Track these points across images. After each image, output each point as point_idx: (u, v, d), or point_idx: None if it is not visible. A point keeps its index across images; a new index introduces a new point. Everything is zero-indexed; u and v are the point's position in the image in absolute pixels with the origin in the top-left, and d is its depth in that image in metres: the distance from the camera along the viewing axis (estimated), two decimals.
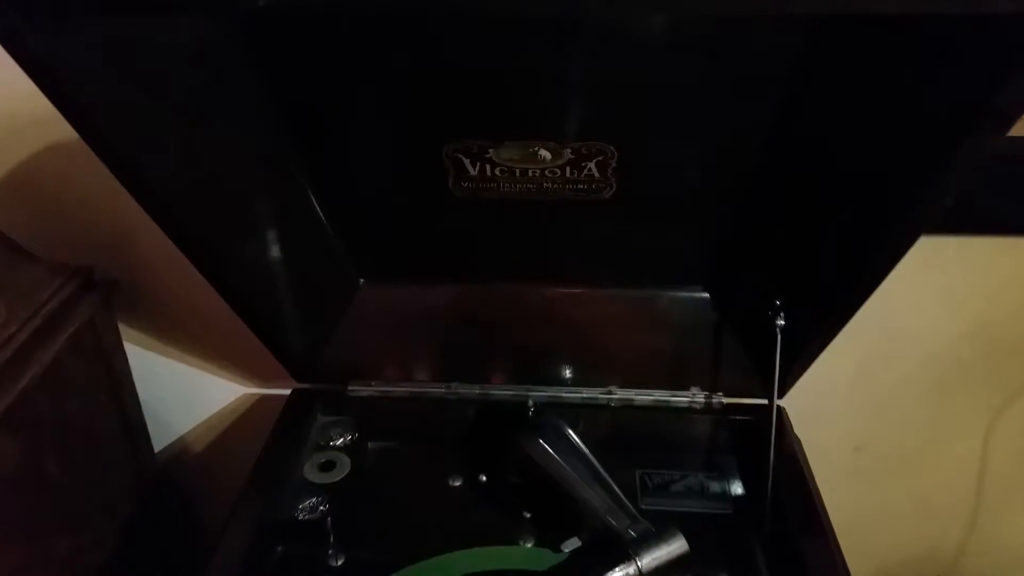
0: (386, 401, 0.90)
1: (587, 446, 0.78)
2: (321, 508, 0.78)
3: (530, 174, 0.69)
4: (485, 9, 0.49)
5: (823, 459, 0.83)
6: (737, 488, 0.83)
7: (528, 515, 0.79)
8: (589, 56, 0.60)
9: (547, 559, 0.74)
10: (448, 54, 0.61)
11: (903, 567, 1.17)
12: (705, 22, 0.58)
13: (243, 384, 1.07)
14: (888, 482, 1.10)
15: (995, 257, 0.91)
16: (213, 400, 1.07)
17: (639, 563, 0.66)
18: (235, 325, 0.78)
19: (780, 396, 0.81)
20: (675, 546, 0.68)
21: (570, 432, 0.79)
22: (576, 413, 0.86)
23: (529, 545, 0.76)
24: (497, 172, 0.69)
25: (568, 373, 0.89)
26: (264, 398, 1.07)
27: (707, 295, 0.85)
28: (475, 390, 0.89)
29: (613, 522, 0.71)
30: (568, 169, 0.68)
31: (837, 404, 1.03)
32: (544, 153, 0.66)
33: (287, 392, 0.92)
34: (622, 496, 0.73)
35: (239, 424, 1.07)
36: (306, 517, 0.78)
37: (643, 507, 0.79)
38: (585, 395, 0.88)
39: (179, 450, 1.08)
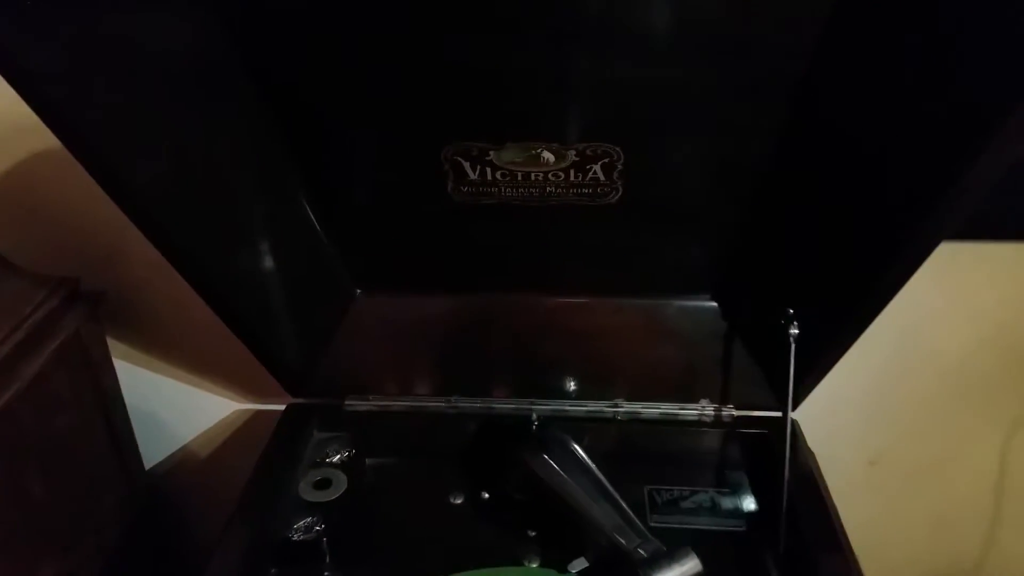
0: (384, 416, 0.87)
1: (593, 461, 0.75)
2: (316, 528, 0.75)
3: (532, 178, 0.66)
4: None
5: (837, 474, 0.80)
6: (750, 504, 0.80)
7: (533, 534, 0.76)
8: (593, 54, 0.58)
9: None
10: (447, 52, 0.58)
11: None
12: (715, 19, 0.55)
13: (236, 399, 1.05)
14: (904, 497, 1.07)
15: (1014, 264, 0.89)
16: (205, 416, 1.05)
17: None
18: (227, 338, 0.76)
19: (793, 408, 0.78)
20: (688, 566, 0.64)
21: (575, 446, 0.76)
22: (581, 427, 0.83)
23: (534, 565, 0.73)
24: (498, 176, 0.66)
25: (573, 386, 0.86)
26: (258, 414, 1.04)
27: (715, 304, 0.82)
28: (477, 404, 0.86)
29: (622, 541, 0.68)
30: (572, 172, 0.65)
31: (850, 417, 1.00)
32: (547, 155, 0.63)
33: (282, 407, 0.89)
34: (631, 513, 0.70)
35: (232, 441, 1.04)
36: (301, 537, 0.75)
37: (652, 524, 0.77)
38: (590, 408, 0.85)
39: (170, 468, 1.05)
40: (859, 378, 0.97)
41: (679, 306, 0.83)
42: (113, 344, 0.95)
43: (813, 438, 0.83)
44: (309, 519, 0.76)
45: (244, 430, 1.05)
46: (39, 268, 0.82)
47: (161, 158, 0.60)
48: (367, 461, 0.86)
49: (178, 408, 1.03)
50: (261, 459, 0.81)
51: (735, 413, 0.84)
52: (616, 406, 0.85)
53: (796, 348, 0.73)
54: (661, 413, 0.85)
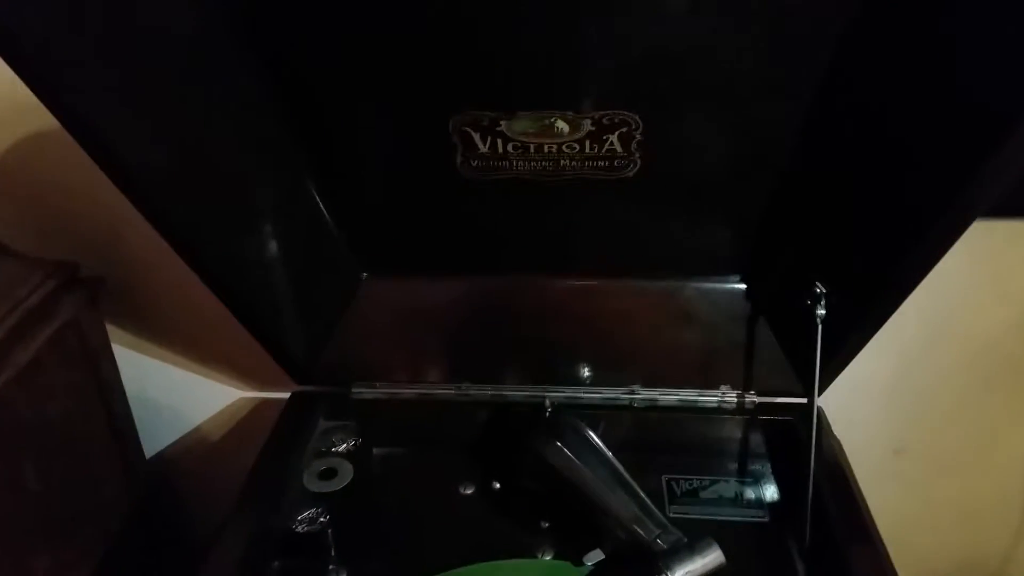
0: (392, 404, 0.84)
1: (609, 449, 0.72)
2: (321, 519, 0.73)
3: (546, 150, 0.63)
4: None
5: (861, 462, 0.77)
6: (773, 494, 0.77)
7: (546, 525, 0.73)
8: (610, 13, 0.54)
9: (567, 573, 0.68)
10: (455, 14, 0.55)
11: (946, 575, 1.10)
12: None
13: (239, 387, 1.02)
14: (930, 486, 1.04)
15: None
16: (207, 404, 1.02)
17: None
18: (230, 325, 0.74)
19: (818, 394, 0.74)
20: (710, 558, 0.61)
21: (591, 434, 0.72)
22: (596, 415, 0.80)
23: (548, 558, 0.70)
24: (509, 148, 0.63)
25: (587, 372, 0.83)
26: (262, 402, 1.02)
27: (741, 285, 0.79)
28: (487, 391, 0.83)
29: (640, 532, 0.65)
30: (588, 143, 0.62)
31: (875, 404, 0.98)
32: (561, 125, 0.60)
33: (287, 396, 0.86)
34: (649, 503, 0.67)
35: (235, 430, 1.02)
36: (305, 529, 0.72)
37: (671, 515, 0.73)
38: (606, 396, 0.82)
39: (171, 458, 1.02)
40: (884, 363, 0.94)
41: (699, 287, 0.79)
42: (113, 331, 0.92)
43: (835, 426, 0.80)
44: (313, 510, 0.73)
45: (248, 419, 1.02)
46: (38, 253, 0.79)
47: (161, 141, 0.58)
48: (374, 450, 0.84)
49: (180, 396, 1.00)
50: (264, 449, 0.79)
51: (756, 400, 0.81)
52: (632, 393, 0.82)
53: (823, 329, 0.69)
54: (679, 400, 0.81)
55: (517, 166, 0.64)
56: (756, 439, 0.81)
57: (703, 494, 0.77)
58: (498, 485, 0.78)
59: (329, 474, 0.77)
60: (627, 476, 0.69)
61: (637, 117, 0.59)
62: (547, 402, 0.76)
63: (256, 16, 0.57)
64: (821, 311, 0.69)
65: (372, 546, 0.73)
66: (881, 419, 0.99)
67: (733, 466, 0.81)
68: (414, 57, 0.58)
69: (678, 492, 0.77)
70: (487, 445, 0.83)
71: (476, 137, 0.62)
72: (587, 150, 0.62)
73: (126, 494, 0.89)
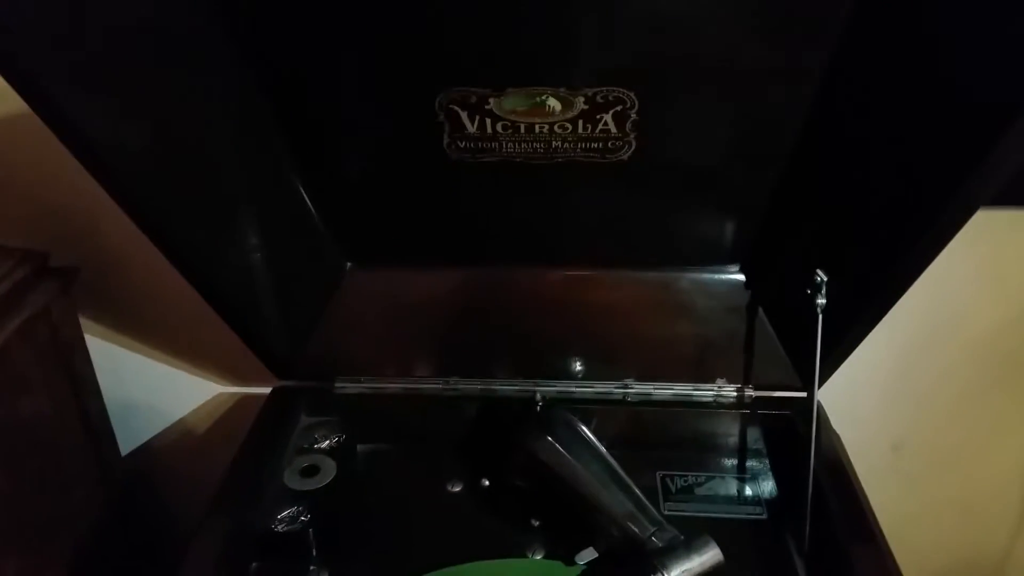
0: (377, 399, 0.81)
1: (602, 446, 0.70)
2: (302, 518, 0.70)
3: (536, 130, 0.60)
4: None
5: (858, 459, 0.75)
6: (771, 490, 0.75)
7: (537, 523, 0.71)
8: None
9: (559, 573, 0.66)
10: None
11: (945, 573, 1.09)
12: None
13: (219, 382, 0.99)
14: (929, 483, 1.02)
15: None
16: (186, 400, 0.99)
17: None
18: (210, 318, 0.71)
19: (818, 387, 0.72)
20: (707, 556, 0.59)
21: (583, 428, 0.70)
22: (588, 410, 0.78)
23: (539, 557, 0.68)
24: (499, 128, 0.60)
25: (580, 365, 0.81)
26: (243, 397, 0.99)
27: (739, 275, 0.77)
28: (476, 386, 0.81)
29: (635, 529, 0.62)
30: (581, 123, 0.59)
31: (873, 399, 0.96)
32: (553, 103, 0.58)
33: (268, 391, 0.83)
34: (644, 499, 0.65)
35: (214, 427, 0.99)
36: (285, 528, 0.69)
37: (665, 513, 0.71)
38: (599, 390, 0.80)
39: (148, 455, 0.99)
40: (882, 358, 0.92)
41: (695, 278, 0.77)
42: (88, 324, 0.90)
43: (833, 422, 0.78)
44: (294, 509, 0.70)
45: (228, 415, 0.99)
46: (8, 243, 0.76)
47: (135, 126, 0.56)
48: (358, 447, 0.81)
49: (158, 391, 0.97)
50: (243, 445, 0.76)
51: (754, 394, 0.78)
52: (626, 387, 0.80)
53: (823, 320, 0.67)
54: (674, 394, 0.79)
55: (507, 148, 0.62)
56: (753, 434, 0.79)
57: (699, 491, 0.75)
58: (487, 482, 0.76)
59: (311, 471, 0.74)
60: (621, 472, 0.67)
61: (632, 95, 0.57)
62: (538, 396, 0.74)
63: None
64: (821, 300, 0.66)
65: (355, 546, 0.70)
66: (879, 415, 0.97)
67: (730, 462, 0.79)
68: (400, 31, 0.55)
69: (673, 489, 0.75)
70: (476, 441, 0.81)
71: (464, 116, 0.59)
72: (580, 130, 0.60)
73: (100, 495, 0.86)
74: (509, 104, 0.58)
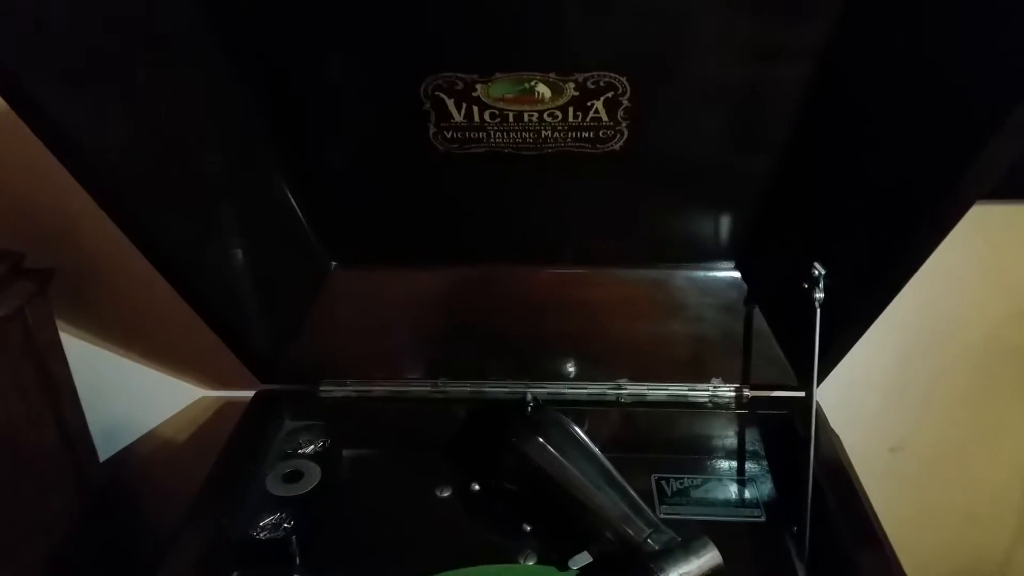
0: (363, 402, 0.80)
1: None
2: (285, 525, 0.67)
3: (526, 119, 0.58)
4: None
5: (856, 462, 0.73)
6: (770, 492, 0.73)
7: (529, 528, 0.69)
8: None
9: None
10: None
11: None
12: None
13: (201, 386, 0.97)
14: (928, 487, 1.01)
15: None
16: (166, 404, 0.97)
17: None
18: (191, 320, 0.69)
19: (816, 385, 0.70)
20: (706, 558, 0.57)
21: (575, 429, 0.68)
22: (581, 411, 0.76)
23: (531, 563, 0.66)
24: (486, 117, 0.58)
25: (572, 366, 0.79)
26: (225, 402, 0.97)
27: (734, 272, 0.75)
28: (466, 388, 0.79)
29: (630, 532, 0.60)
30: (571, 111, 0.58)
31: (870, 400, 0.95)
32: (542, 89, 0.56)
33: (252, 395, 0.81)
34: (639, 501, 0.62)
35: (196, 432, 0.97)
36: (267, 536, 0.66)
37: (661, 516, 0.69)
38: (591, 391, 0.78)
39: (127, 462, 0.96)
40: (879, 357, 0.91)
41: (690, 275, 0.76)
42: (66, 327, 0.88)
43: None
44: (277, 515, 0.68)
45: (210, 420, 0.97)
46: None
47: (116, 122, 0.55)
48: (344, 452, 0.79)
49: (137, 395, 0.95)
50: (224, 450, 0.74)
51: (750, 393, 0.77)
52: (619, 387, 0.78)
53: (821, 316, 0.65)
54: (669, 394, 0.78)
55: (495, 138, 0.60)
56: (750, 435, 0.77)
57: (695, 493, 0.73)
58: (477, 487, 0.74)
59: (294, 477, 0.72)
60: (615, 473, 0.65)
61: (624, 80, 0.55)
62: (529, 396, 0.71)
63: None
64: (819, 294, 0.65)
65: (340, 554, 0.68)
66: (876, 416, 0.95)
67: (727, 464, 0.77)
68: (383, 13, 0.53)
69: (668, 492, 0.73)
70: (465, 444, 0.78)
71: (450, 103, 0.57)
72: (570, 118, 0.58)
73: (76, 504, 0.83)
74: (497, 91, 0.56)
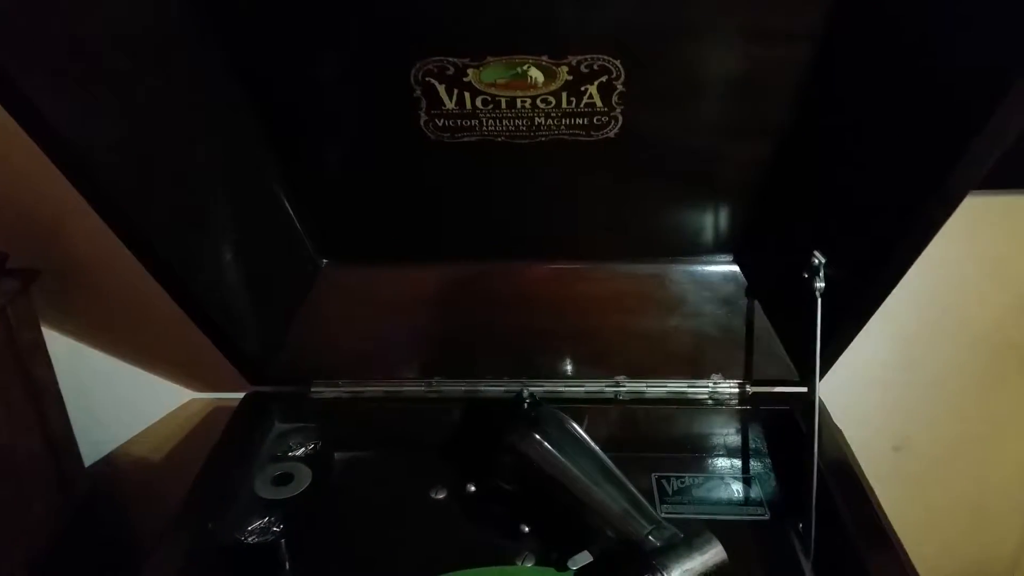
0: (355, 403, 0.78)
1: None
2: (274, 528, 0.65)
3: (518, 105, 0.57)
4: None
5: (859, 461, 0.71)
6: (773, 489, 0.72)
7: (527, 529, 0.67)
8: None
9: None
10: None
11: None
12: None
13: (190, 388, 0.95)
14: (932, 486, 0.99)
15: None
16: (154, 407, 0.95)
17: None
18: (180, 320, 0.67)
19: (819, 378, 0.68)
20: (710, 554, 0.55)
21: (573, 425, 0.66)
22: (579, 409, 0.74)
23: (530, 564, 0.64)
24: (479, 103, 0.57)
25: (568, 363, 0.77)
26: (216, 404, 0.95)
27: (732, 266, 0.74)
28: (460, 386, 0.77)
29: (630, 529, 0.58)
30: (564, 96, 0.56)
31: (873, 398, 0.93)
32: (535, 73, 0.54)
33: (242, 396, 0.79)
34: (640, 497, 0.61)
35: (185, 435, 0.95)
36: (256, 539, 0.64)
37: (662, 516, 0.66)
38: (589, 389, 0.77)
39: (114, 466, 0.94)
40: (881, 353, 0.90)
41: (687, 269, 0.74)
42: (51, 328, 0.86)
43: None
44: (266, 519, 0.66)
45: (199, 422, 0.95)
46: None
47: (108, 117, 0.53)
48: (336, 454, 0.77)
49: (125, 398, 0.93)
50: (212, 453, 0.72)
51: (751, 389, 0.75)
52: (617, 385, 0.76)
53: (822, 307, 0.64)
54: (668, 391, 0.76)
55: (487, 125, 0.59)
56: (752, 431, 0.75)
57: (696, 492, 0.71)
58: (473, 488, 0.72)
59: (284, 479, 0.70)
60: (614, 469, 0.63)
61: (618, 63, 0.54)
62: (524, 392, 0.70)
63: None
64: (820, 284, 0.63)
65: (332, 558, 0.66)
66: (879, 414, 0.94)
67: (728, 461, 0.75)
68: None
69: (669, 491, 0.71)
70: (460, 445, 0.77)
71: (441, 90, 0.56)
72: (564, 104, 0.57)
73: (60, 511, 0.81)
74: (489, 76, 0.55)
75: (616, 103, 0.57)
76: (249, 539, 0.64)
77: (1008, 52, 0.45)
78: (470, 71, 0.54)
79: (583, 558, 0.60)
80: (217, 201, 0.66)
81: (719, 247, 0.73)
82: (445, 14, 0.52)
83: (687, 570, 0.54)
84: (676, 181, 0.66)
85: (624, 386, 0.76)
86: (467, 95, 0.56)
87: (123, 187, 0.56)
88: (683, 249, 0.73)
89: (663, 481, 0.72)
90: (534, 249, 0.73)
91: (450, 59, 0.54)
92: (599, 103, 0.57)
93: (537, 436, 0.65)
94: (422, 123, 0.59)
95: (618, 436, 0.75)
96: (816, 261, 0.63)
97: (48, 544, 0.79)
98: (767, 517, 0.68)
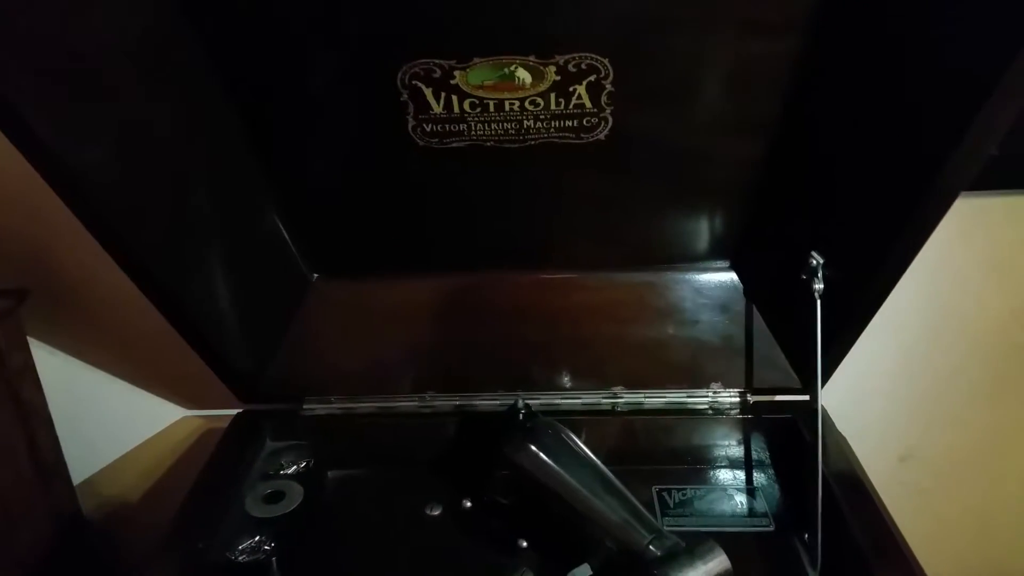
0: (348, 419, 0.76)
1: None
2: (265, 547, 0.63)
3: (507, 107, 0.56)
4: None
5: None
6: (777, 500, 0.70)
7: (524, 544, 0.65)
8: None
9: None
10: None
11: None
12: None
13: (182, 406, 0.94)
14: (941, 496, 0.97)
15: None
16: (145, 425, 0.93)
17: None
18: (172, 337, 0.66)
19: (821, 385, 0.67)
20: (714, 563, 0.53)
21: (570, 435, 0.64)
22: (576, 422, 0.72)
23: None
24: (466, 107, 0.56)
25: (564, 375, 0.76)
26: (208, 422, 0.93)
27: (729, 273, 0.73)
28: (455, 401, 0.76)
29: (631, 539, 0.56)
30: (553, 97, 0.56)
31: (876, 407, 0.91)
32: (523, 74, 0.54)
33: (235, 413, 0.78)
34: (639, 506, 0.59)
35: (177, 454, 0.93)
36: (246, 559, 0.62)
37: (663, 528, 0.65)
38: (586, 401, 0.75)
39: (104, 485, 0.92)
40: (883, 361, 0.88)
41: (683, 276, 0.74)
42: (41, 348, 0.85)
43: None
44: (257, 538, 0.64)
45: (192, 441, 0.93)
46: None
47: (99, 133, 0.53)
48: (329, 473, 0.75)
49: (116, 416, 0.91)
50: (201, 473, 0.71)
51: (752, 398, 0.74)
52: (615, 396, 0.75)
53: (821, 310, 0.63)
54: (667, 402, 0.75)
55: (476, 130, 0.58)
56: (754, 441, 0.74)
57: (698, 504, 0.69)
58: (469, 503, 0.70)
59: (276, 497, 0.69)
60: (613, 478, 0.61)
61: (606, 62, 0.53)
62: (519, 403, 0.68)
63: None
64: (819, 285, 0.62)
65: None
66: (883, 423, 0.92)
67: (730, 471, 0.73)
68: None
69: (671, 503, 0.69)
70: (455, 460, 0.75)
71: (428, 93, 0.55)
72: (552, 106, 0.56)
73: (48, 536, 0.79)
74: (476, 77, 0.54)
75: (605, 103, 0.56)
76: (239, 558, 0.63)
77: (996, 46, 0.45)
78: (457, 73, 0.54)
79: (583, 571, 0.58)
80: (206, 217, 0.65)
81: (715, 253, 0.72)
82: (430, 15, 0.52)
83: None
84: (669, 184, 0.65)
85: (622, 397, 0.74)
86: (455, 98, 0.55)
87: (115, 206, 0.55)
88: (678, 255, 0.72)
89: (664, 494, 0.70)
90: (526, 259, 0.72)
91: (436, 61, 0.53)
92: (588, 103, 0.56)
93: (533, 447, 0.63)
94: (410, 128, 0.58)
95: (617, 448, 0.73)
96: (814, 261, 0.62)
97: (39, 565, 0.76)
98: (772, 528, 0.67)
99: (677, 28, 0.52)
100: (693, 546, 0.54)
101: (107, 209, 0.55)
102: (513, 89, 0.55)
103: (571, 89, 0.55)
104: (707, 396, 0.74)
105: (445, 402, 0.75)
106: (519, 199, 0.66)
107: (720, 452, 0.74)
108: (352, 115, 0.59)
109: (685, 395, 0.74)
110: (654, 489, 0.71)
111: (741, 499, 0.70)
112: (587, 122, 0.57)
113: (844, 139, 0.58)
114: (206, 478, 0.70)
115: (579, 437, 0.66)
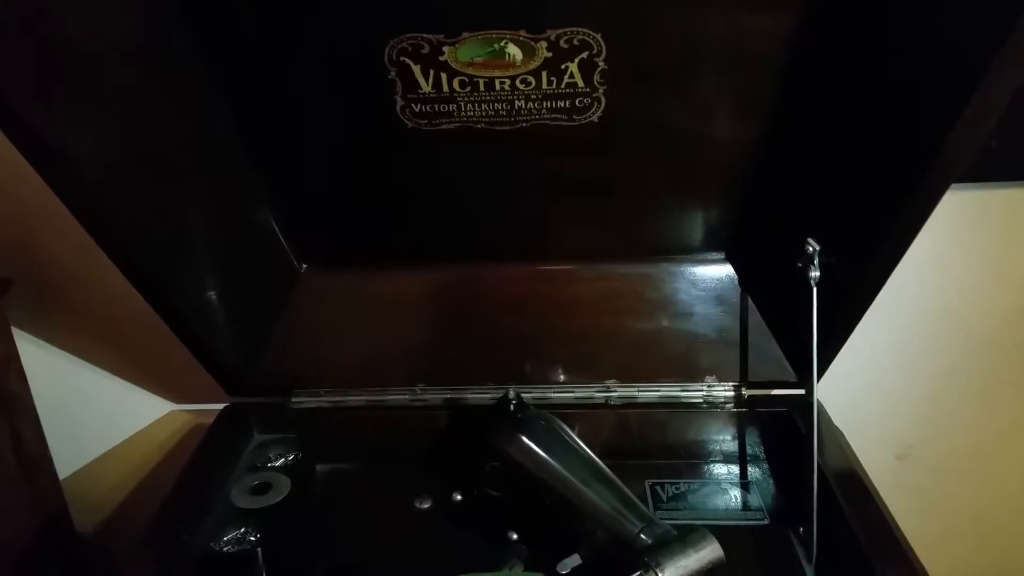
0: (337, 412, 0.75)
1: None
2: (251, 538, 0.62)
3: (498, 87, 0.56)
4: None
5: None
6: (772, 493, 0.69)
7: (515, 536, 0.64)
8: None
9: None
10: None
11: None
12: None
13: (170, 399, 0.93)
14: (939, 497, 0.96)
15: None
16: (132, 419, 0.92)
17: (660, 574, 0.50)
18: (160, 331, 0.66)
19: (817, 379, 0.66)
20: (705, 551, 0.52)
21: (561, 425, 0.63)
22: (569, 415, 0.71)
23: (519, 571, 0.60)
24: (456, 85, 0.55)
25: (557, 368, 0.75)
26: (196, 416, 0.92)
27: (725, 263, 0.72)
28: (445, 393, 0.75)
29: (621, 528, 0.55)
30: (544, 75, 0.55)
31: (873, 404, 0.90)
32: (513, 50, 0.53)
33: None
34: (631, 495, 0.58)
35: (165, 448, 0.92)
36: (231, 549, 0.61)
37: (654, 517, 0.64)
38: (579, 393, 0.74)
39: (91, 480, 0.91)
40: (880, 357, 0.87)
41: (677, 268, 0.73)
42: (26, 337, 0.84)
43: None
44: (242, 529, 0.63)
45: (179, 435, 0.92)
46: None
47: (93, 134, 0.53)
48: (318, 466, 0.74)
49: (103, 409, 0.90)
50: (187, 465, 0.70)
51: (747, 391, 0.73)
52: (608, 389, 0.74)
53: (817, 300, 0.62)
54: (661, 395, 0.74)
55: (466, 110, 0.57)
56: (749, 434, 0.73)
57: (692, 498, 0.68)
58: (459, 496, 0.69)
59: (262, 488, 0.68)
60: (604, 468, 0.60)
61: (599, 37, 0.52)
62: (510, 393, 0.67)
63: None
64: (815, 272, 0.61)
65: (311, 568, 0.63)
66: (880, 421, 0.91)
67: (725, 465, 0.72)
68: None
69: (664, 497, 0.68)
70: (445, 453, 0.74)
71: (417, 71, 0.54)
72: (544, 85, 0.55)
73: (33, 529, 0.77)
74: (465, 54, 0.53)
75: (598, 82, 0.55)
76: (224, 548, 0.61)
77: (989, 30, 0.44)
78: (446, 49, 0.53)
79: (572, 561, 0.57)
80: (193, 206, 0.65)
81: (710, 244, 0.71)
82: None
83: (682, 567, 0.50)
84: (663, 170, 0.64)
85: (615, 390, 0.73)
86: (444, 76, 0.55)
87: (104, 197, 0.55)
88: (673, 246, 0.72)
89: (657, 487, 0.69)
90: (518, 249, 0.72)
91: (424, 35, 0.52)
92: (580, 82, 0.55)
93: (523, 437, 0.62)
94: (399, 109, 0.57)
95: (610, 442, 0.72)
96: (810, 248, 0.61)
97: (23, 561, 0.75)
98: (767, 522, 0.66)
99: (671, 2, 0.51)
100: (685, 534, 0.53)
101: (97, 200, 0.55)
102: (504, 66, 0.54)
103: (563, 67, 0.54)
104: (702, 389, 0.73)
105: (436, 395, 0.74)
106: (511, 186, 0.65)
107: (715, 446, 0.73)
108: (339, 95, 0.59)
109: (679, 388, 0.73)
110: (647, 483, 0.69)
111: (736, 493, 0.69)
112: (579, 103, 0.57)
113: (840, 121, 0.58)
114: (192, 470, 0.69)
115: (572, 430, 0.66)
